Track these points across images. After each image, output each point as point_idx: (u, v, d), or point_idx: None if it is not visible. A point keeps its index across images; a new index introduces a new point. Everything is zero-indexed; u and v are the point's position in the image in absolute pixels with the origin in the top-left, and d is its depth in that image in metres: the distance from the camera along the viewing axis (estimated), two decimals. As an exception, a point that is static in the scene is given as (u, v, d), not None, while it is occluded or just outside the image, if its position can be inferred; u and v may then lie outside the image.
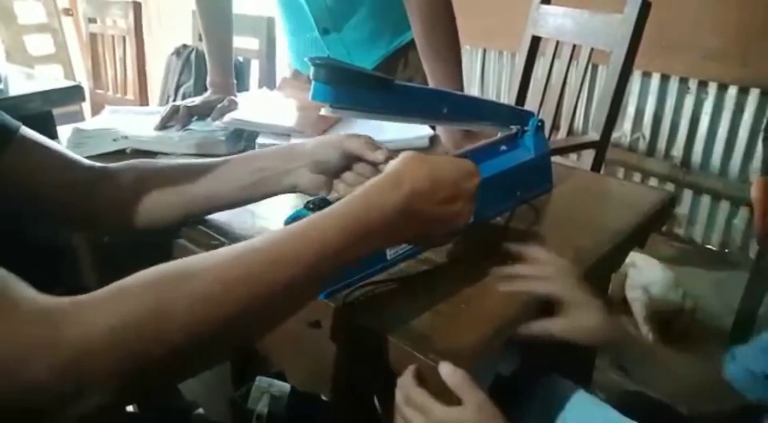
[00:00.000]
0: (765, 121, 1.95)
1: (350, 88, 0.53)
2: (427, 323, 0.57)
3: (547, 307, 0.62)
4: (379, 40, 1.35)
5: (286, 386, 0.73)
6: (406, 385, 0.54)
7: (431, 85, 1.08)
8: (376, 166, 0.71)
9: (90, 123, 1.22)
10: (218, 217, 0.78)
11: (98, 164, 0.74)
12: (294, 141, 0.93)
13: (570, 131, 1.70)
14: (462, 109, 0.72)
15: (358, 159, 0.72)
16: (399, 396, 0.55)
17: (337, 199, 0.58)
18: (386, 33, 1.35)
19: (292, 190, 0.74)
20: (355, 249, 0.50)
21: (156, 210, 0.73)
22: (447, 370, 0.52)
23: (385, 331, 0.56)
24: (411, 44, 1.33)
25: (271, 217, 0.80)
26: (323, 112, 0.57)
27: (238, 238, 0.73)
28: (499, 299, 0.61)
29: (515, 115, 0.81)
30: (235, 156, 0.77)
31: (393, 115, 0.66)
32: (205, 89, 1.28)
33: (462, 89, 1.12)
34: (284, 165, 0.72)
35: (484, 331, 0.56)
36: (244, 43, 2.05)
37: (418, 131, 1.10)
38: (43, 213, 0.75)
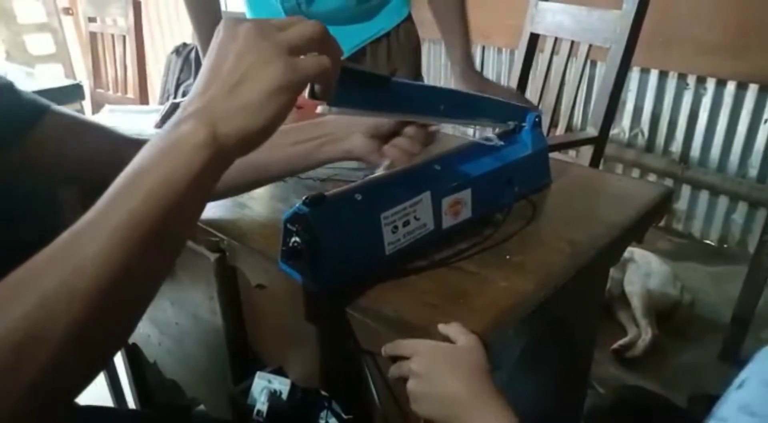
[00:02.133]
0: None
1: (346, 86, 0.52)
2: (424, 317, 0.57)
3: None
4: (354, 27, 1.32)
5: (286, 381, 0.74)
6: (391, 346, 0.55)
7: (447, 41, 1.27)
8: (426, 128, 0.71)
9: (90, 121, 1.22)
10: (212, 214, 0.79)
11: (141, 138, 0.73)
12: None
13: (569, 128, 1.71)
14: (459, 106, 0.72)
15: (409, 123, 0.71)
16: (385, 350, 0.56)
17: (390, 166, 0.62)
18: (362, 20, 1.32)
19: (348, 155, 0.72)
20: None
21: None
22: (442, 325, 0.56)
23: (382, 325, 0.56)
24: (391, 33, 1.34)
25: (266, 214, 0.81)
26: (319, 110, 0.57)
27: (235, 235, 0.74)
28: (498, 293, 0.61)
29: (513, 111, 0.81)
30: (285, 126, 0.75)
31: (390, 113, 0.66)
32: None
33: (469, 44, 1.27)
34: (342, 131, 0.71)
35: (483, 324, 0.56)
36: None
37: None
38: (86, 190, 0.73)
